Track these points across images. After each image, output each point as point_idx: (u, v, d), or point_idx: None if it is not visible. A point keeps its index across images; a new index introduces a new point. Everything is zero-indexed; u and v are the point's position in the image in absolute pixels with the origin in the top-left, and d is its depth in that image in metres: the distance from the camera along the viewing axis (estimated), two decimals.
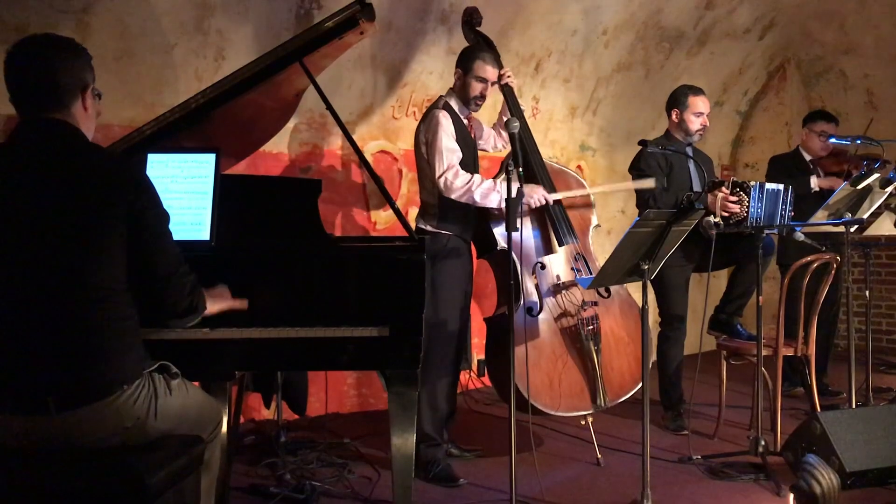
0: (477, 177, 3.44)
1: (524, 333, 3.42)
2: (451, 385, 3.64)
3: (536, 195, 3.54)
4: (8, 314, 1.97)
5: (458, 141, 3.47)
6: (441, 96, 3.66)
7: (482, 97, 3.62)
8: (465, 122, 3.62)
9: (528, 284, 3.59)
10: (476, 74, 3.57)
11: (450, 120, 3.48)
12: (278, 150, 4.32)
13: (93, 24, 3.57)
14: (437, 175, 3.41)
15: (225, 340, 2.45)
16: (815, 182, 4.69)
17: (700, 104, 4.19)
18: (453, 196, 3.42)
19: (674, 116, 4.24)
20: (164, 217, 2.12)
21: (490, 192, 3.43)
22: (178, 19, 3.79)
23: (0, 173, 2.02)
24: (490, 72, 3.61)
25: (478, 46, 3.71)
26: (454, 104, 3.60)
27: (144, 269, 2.07)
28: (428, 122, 3.51)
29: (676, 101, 4.24)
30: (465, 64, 3.60)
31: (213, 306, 2.32)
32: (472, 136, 3.68)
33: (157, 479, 1.91)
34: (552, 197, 3.61)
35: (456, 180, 3.39)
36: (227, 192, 2.65)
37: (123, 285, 2.04)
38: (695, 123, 4.18)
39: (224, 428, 2.82)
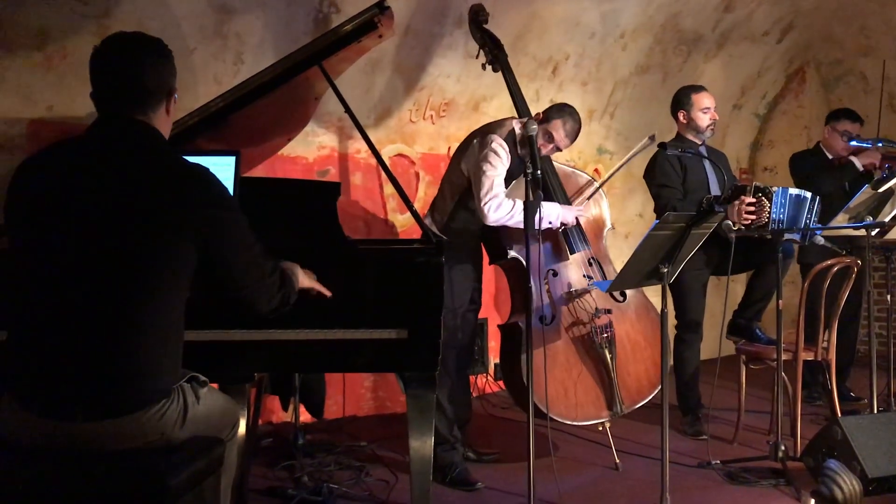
0: (519, 204, 3.34)
1: (536, 342, 3.36)
2: (462, 388, 3.62)
3: (570, 214, 3.54)
4: (48, 312, 1.91)
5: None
6: (512, 120, 3.55)
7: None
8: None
9: (541, 292, 3.55)
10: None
11: (507, 151, 3.41)
12: (297, 153, 4.34)
13: (113, 28, 3.58)
14: (481, 201, 3.36)
15: (244, 342, 2.46)
16: (859, 163, 4.59)
17: (704, 100, 4.17)
18: (488, 222, 3.39)
19: (682, 118, 4.23)
20: (244, 225, 2.06)
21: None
22: (197, 23, 3.81)
23: (66, 167, 1.96)
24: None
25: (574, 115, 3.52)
26: (517, 134, 3.47)
27: (228, 280, 2.06)
28: (484, 144, 3.41)
29: (680, 102, 4.24)
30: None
31: (303, 282, 2.34)
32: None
33: (179, 480, 1.91)
34: (576, 211, 3.60)
35: (499, 210, 3.34)
36: (247, 194, 2.66)
37: (179, 293, 1.98)
38: (704, 119, 4.16)
39: (242, 430, 2.83)
